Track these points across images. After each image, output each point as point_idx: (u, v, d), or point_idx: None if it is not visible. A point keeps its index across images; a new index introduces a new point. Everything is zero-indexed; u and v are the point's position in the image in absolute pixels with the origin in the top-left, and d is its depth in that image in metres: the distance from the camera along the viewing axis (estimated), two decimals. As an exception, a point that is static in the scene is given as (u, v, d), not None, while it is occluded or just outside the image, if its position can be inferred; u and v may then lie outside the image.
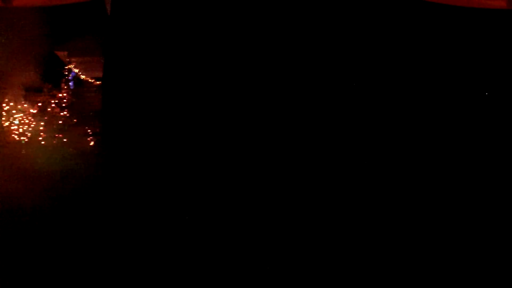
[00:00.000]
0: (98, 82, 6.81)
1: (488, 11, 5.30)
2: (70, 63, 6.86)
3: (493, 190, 5.77)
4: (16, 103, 6.66)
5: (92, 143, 6.69)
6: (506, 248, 5.50)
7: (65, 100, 6.76)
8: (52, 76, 6.72)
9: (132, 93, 6.02)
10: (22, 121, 6.68)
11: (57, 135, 6.63)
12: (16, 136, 6.60)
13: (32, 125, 6.67)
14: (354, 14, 6.08)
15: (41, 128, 6.67)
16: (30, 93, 6.70)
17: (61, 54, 6.87)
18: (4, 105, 6.64)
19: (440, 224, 5.81)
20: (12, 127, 6.63)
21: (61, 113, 6.77)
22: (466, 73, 5.77)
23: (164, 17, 6.06)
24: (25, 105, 6.71)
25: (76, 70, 6.91)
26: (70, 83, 6.88)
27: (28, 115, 6.72)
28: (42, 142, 6.65)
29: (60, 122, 6.75)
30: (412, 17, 5.81)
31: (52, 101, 6.73)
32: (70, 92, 6.84)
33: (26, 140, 6.57)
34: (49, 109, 6.76)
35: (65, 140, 6.65)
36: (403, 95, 6.01)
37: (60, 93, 6.75)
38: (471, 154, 5.75)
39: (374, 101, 6.11)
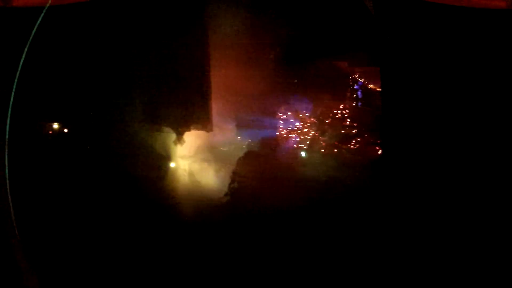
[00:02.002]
0: (378, 91, 6.49)
1: (488, 11, 5.10)
2: (351, 73, 6.74)
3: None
4: (295, 112, 6.63)
5: (375, 153, 6.38)
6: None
7: (346, 110, 6.60)
8: (333, 86, 6.60)
9: (412, 100, 5.75)
10: (301, 129, 6.64)
11: (338, 144, 6.49)
12: (294, 144, 6.57)
13: (311, 134, 6.59)
14: (355, 14, 6.04)
15: (321, 136, 6.57)
16: (310, 103, 6.58)
17: (342, 64, 6.71)
18: (283, 114, 6.67)
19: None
20: (290, 135, 6.61)
21: (343, 123, 6.56)
22: (466, 73, 5.46)
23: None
24: (306, 114, 6.64)
25: (358, 80, 6.74)
26: (352, 93, 6.73)
27: (308, 124, 6.65)
28: (322, 150, 6.47)
29: (342, 131, 6.52)
30: (412, 17, 5.61)
31: (334, 111, 6.59)
32: (352, 102, 6.68)
33: (305, 147, 6.53)
34: (329, 119, 6.59)
35: (346, 149, 6.47)
36: (402, 94, 5.81)
37: (341, 103, 6.62)
38: (470, 153, 5.52)
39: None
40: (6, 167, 5.56)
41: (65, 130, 6.35)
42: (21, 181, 5.69)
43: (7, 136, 5.57)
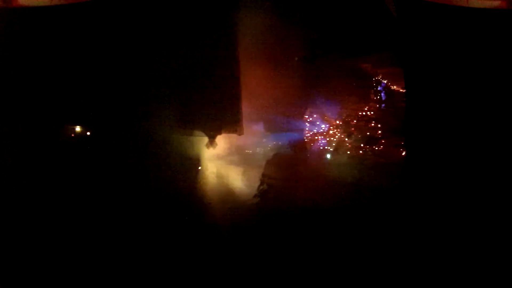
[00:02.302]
0: (402, 92, 6.50)
1: (488, 11, 5.07)
2: (375, 74, 6.77)
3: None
4: (322, 114, 6.71)
5: (399, 154, 6.40)
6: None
7: (371, 112, 6.65)
8: (358, 88, 6.68)
9: (436, 102, 5.72)
10: (327, 132, 6.73)
11: (363, 146, 6.54)
12: (321, 146, 6.68)
13: (337, 136, 6.69)
14: (356, 13, 6.08)
15: (347, 139, 6.64)
16: (335, 105, 6.70)
17: (367, 66, 6.77)
18: (309, 116, 6.73)
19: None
20: (317, 137, 6.72)
21: (368, 125, 6.63)
22: (466, 73, 5.46)
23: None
24: (332, 116, 6.72)
25: (382, 82, 6.76)
26: (375, 95, 6.76)
27: (334, 126, 6.73)
28: (348, 152, 6.58)
29: (367, 133, 6.58)
30: (412, 17, 5.58)
31: (358, 113, 6.65)
32: (376, 105, 6.71)
33: (331, 149, 6.63)
34: (355, 121, 6.66)
35: (371, 150, 6.51)
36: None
37: (365, 105, 6.68)
38: (469, 153, 5.58)
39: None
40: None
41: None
42: (51, 181, 5.94)
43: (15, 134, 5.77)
